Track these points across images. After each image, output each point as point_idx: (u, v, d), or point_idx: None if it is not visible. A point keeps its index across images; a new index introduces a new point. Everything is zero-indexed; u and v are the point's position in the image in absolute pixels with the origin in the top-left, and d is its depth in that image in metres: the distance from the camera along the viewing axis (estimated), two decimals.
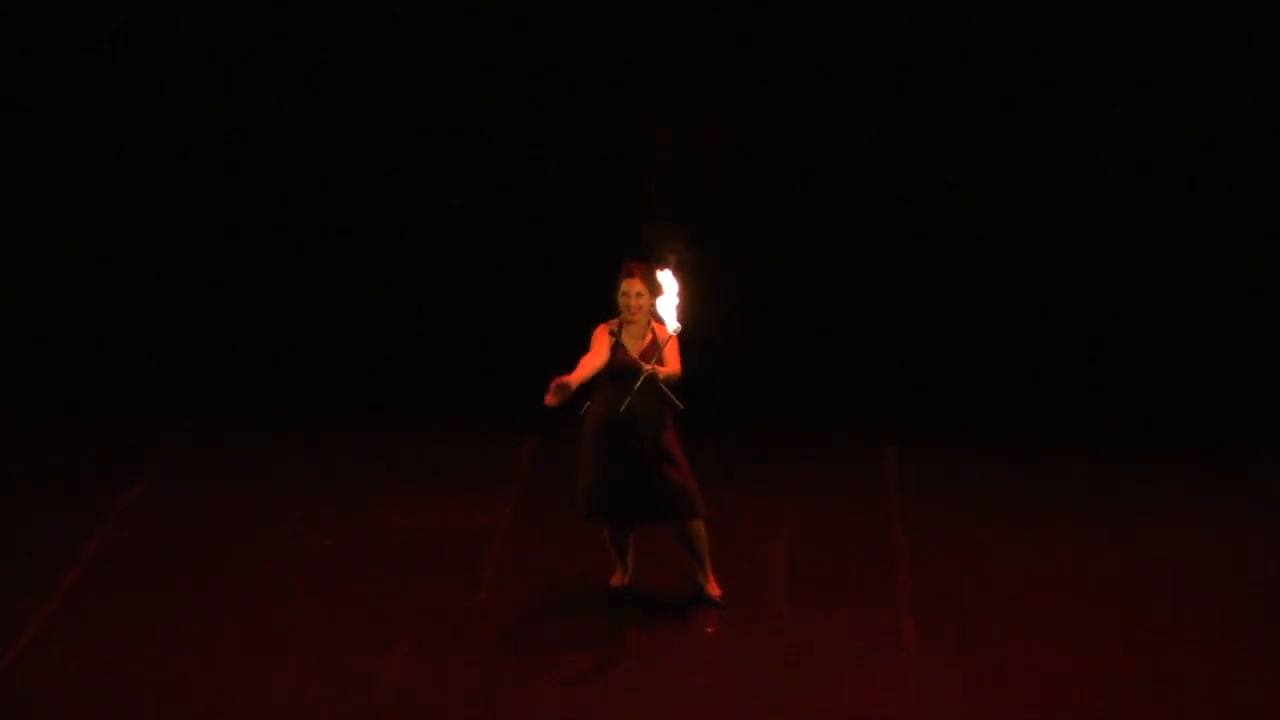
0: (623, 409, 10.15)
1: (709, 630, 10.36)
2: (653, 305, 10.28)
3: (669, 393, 10.19)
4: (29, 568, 10.93)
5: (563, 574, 10.96)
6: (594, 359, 10.18)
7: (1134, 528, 11.68)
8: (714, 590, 10.62)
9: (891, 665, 9.98)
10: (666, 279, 10.09)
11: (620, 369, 10.27)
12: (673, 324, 10.09)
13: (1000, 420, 13.18)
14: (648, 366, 10.16)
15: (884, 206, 13.58)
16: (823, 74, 13.43)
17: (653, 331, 10.34)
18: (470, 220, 13.72)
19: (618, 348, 10.31)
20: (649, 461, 10.28)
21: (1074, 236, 13.54)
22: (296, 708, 9.55)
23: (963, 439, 12.97)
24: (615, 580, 10.74)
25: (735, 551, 11.24)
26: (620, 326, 10.36)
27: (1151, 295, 13.50)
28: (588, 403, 10.28)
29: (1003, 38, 13.33)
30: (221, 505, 11.86)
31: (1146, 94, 13.35)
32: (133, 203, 13.82)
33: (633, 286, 10.28)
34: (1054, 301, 13.58)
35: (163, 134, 13.69)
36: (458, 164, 13.70)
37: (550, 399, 9.98)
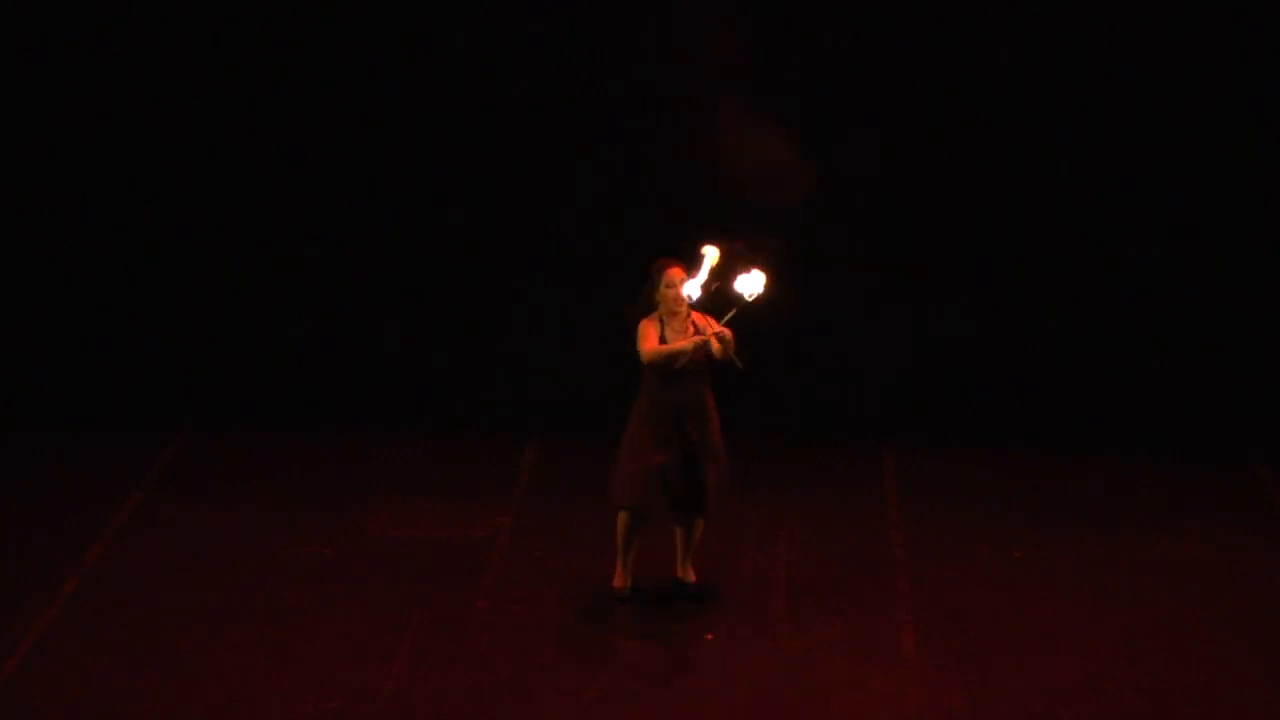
0: (741, 366, 10.42)
1: (709, 638, 10.36)
2: (692, 298, 10.44)
3: (733, 357, 10.45)
4: (28, 579, 10.91)
5: (562, 581, 10.96)
6: (657, 342, 10.38)
7: (1134, 537, 11.68)
8: (691, 576, 10.76)
9: (891, 674, 9.98)
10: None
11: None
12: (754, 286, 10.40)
13: (1000, 430, 13.16)
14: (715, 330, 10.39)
15: (883, 209, 13.55)
16: (818, 76, 13.40)
17: (693, 324, 10.47)
18: (469, 227, 13.70)
19: (663, 342, 10.43)
20: (697, 455, 10.42)
21: (1075, 245, 13.51)
22: (296, 717, 9.55)
23: (962, 448, 12.96)
24: (618, 583, 10.76)
25: (735, 560, 11.25)
26: (663, 323, 10.45)
27: (1152, 305, 13.48)
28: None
29: (1002, 39, 13.31)
30: (219, 515, 11.84)
31: (1147, 100, 13.33)
32: (126, 213, 13.78)
33: (676, 276, 10.41)
34: (1055, 310, 13.54)
35: (162, 141, 13.66)
36: (456, 170, 13.68)
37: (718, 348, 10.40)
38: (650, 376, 10.46)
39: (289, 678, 9.87)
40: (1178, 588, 10.99)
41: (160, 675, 9.88)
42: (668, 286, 10.41)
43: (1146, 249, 13.45)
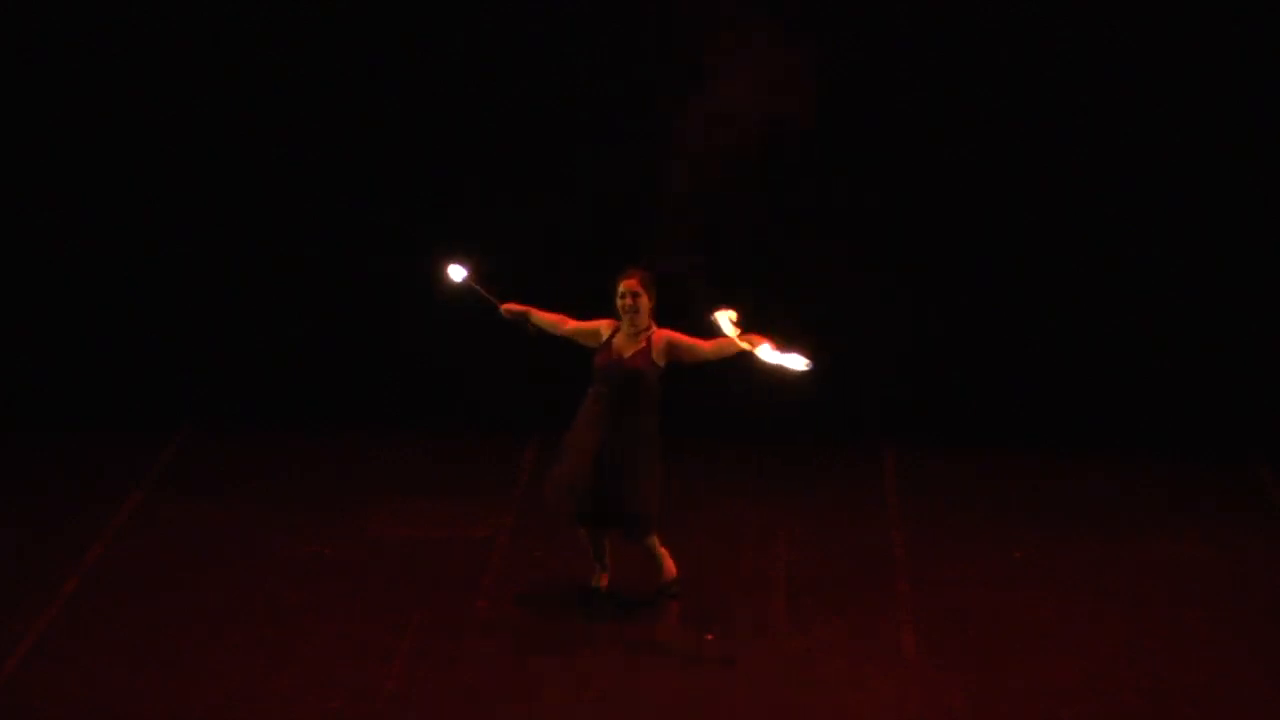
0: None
1: (709, 638, 10.36)
2: (651, 309, 10.38)
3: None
4: (28, 579, 10.91)
5: (562, 582, 10.95)
6: (567, 321, 10.57)
7: (1134, 537, 11.67)
8: (669, 574, 10.69)
9: (891, 674, 9.98)
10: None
11: (603, 371, 10.45)
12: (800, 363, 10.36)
13: (1000, 430, 13.16)
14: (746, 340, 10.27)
15: (882, 210, 13.54)
16: (819, 76, 13.39)
17: (648, 338, 10.42)
18: (468, 226, 13.69)
19: (604, 347, 10.47)
20: (623, 474, 10.39)
21: (1075, 245, 13.51)
22: (296, 717, 9.54)
23: (962, 448, 12.96)
24: (595, 582, 10.78)
25: (735, 561, 11.24)
26: (615, 330, 10.49)
27: (1152, 305, 13.48)
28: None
29: (1002, 39, 13.31)
30: (219, 515, 11.84)
31: (1147, 100, 13.33)
32: (126, 213, 13.78)
33: (629, 287, 10.43)
34: (1055, 310, 13.55)
35: (162, 141, 13.66)
36: (456, 170, 13.68)
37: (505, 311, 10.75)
38: (591, 387, 10.50)
39: (289, 678, 9.87)
40: (1178, 588, 10.99)
41: (160, 675, 9.87)
42: (620, 297, 10.44)
43: (1146, 249, 13.45)
